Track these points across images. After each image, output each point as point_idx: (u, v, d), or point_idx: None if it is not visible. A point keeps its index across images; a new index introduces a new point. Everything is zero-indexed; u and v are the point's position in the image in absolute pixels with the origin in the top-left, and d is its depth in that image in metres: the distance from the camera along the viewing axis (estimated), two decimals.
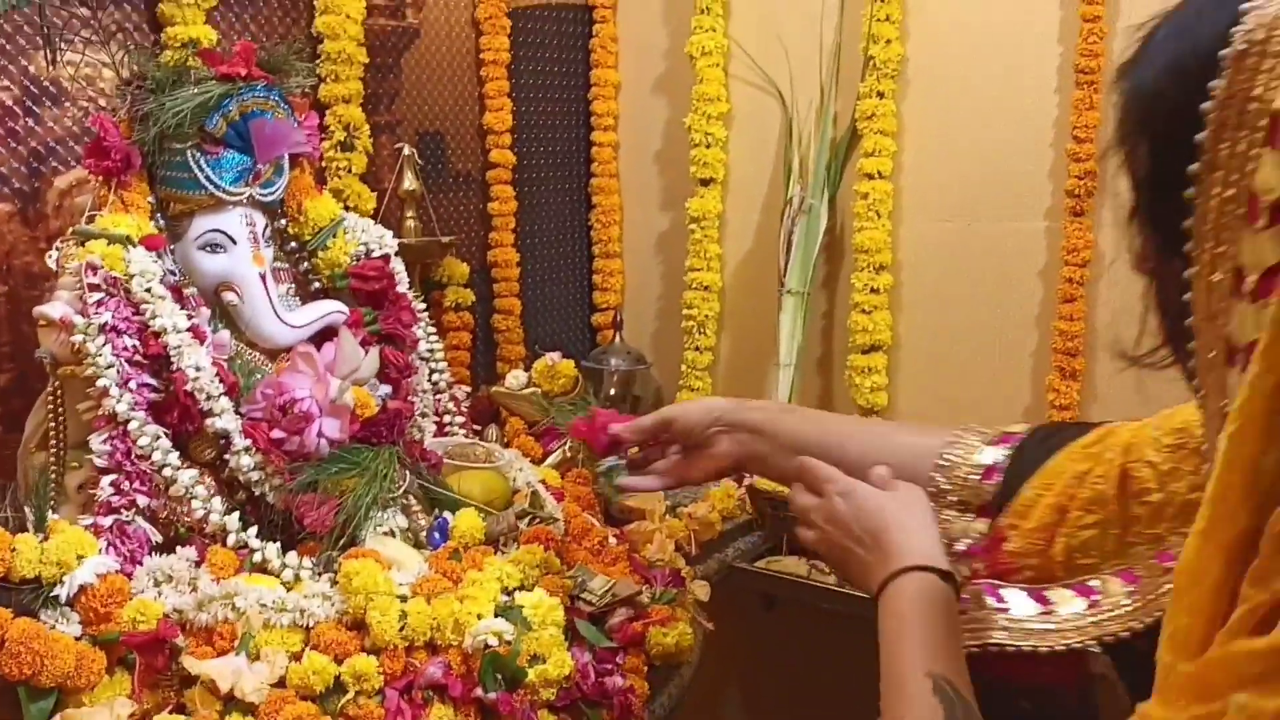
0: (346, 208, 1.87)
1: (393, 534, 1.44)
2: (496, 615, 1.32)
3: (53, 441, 1.39)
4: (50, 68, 1.68)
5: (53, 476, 1.39)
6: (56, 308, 1.37)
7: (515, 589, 1.39)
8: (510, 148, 2.42)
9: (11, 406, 1.69)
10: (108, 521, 1.32)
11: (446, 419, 1.77)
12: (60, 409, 1.39)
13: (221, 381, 1.40)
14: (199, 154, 1.47)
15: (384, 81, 2.17)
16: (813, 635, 2.08)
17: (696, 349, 2.58)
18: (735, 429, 1.31)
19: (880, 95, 2.26)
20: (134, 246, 1.40)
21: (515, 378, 1.95)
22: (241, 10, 1.92)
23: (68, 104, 1.71)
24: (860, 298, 2.33)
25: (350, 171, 2.02)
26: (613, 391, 2.63)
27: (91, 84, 1.74)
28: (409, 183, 2.11)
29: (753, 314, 2.54)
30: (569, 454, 1.82)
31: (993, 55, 2.18)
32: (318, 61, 2.00)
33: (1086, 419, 2.15)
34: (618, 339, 2.67)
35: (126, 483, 1.34)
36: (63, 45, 1.69)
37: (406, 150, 2.11)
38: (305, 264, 1.69)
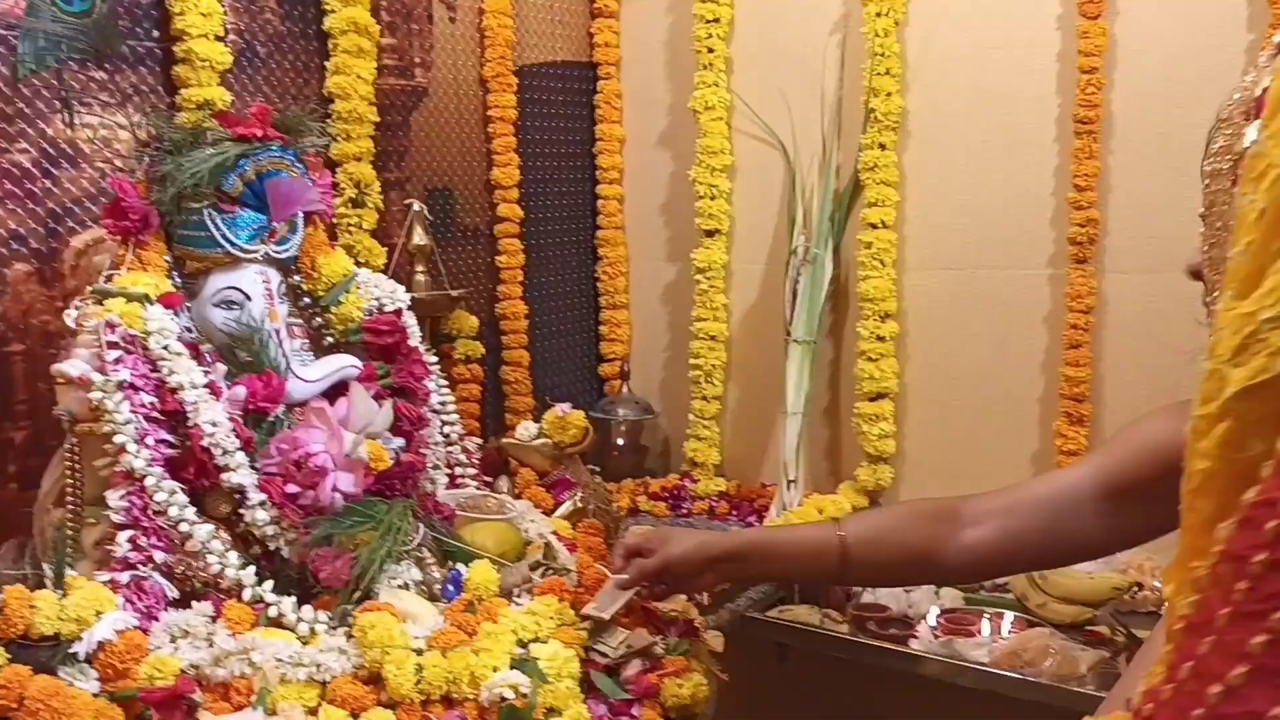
0: (357, 263, 1.90)
1: (407, 587, 1.44)
2: (512, 667, 1.32)
3: (70, 498, 1.40)
4: (68, 130, 1.72)
5: (70, 532, 1.40)
6: (75, 365, 1.38)
7: (530, 641, 1.39)
8: (518, 202, 2.45)
9: (28, 464, 1.70)
10: (125, 577, 1.33)
11: (458, 471, 1.78)
12: (78, 465, 1.40)
13: (237, 436, 1.41)
14: (215, 213, 1.50)
15: (393, 139, 2.21)
16: (826, 684, 2.07)
17: (704, 398, 2.60)
18: (719, 562, 1.40)
19: (882, 147, 2.29)
20: (152, 304, 1.42)
21: (525, 429, 1.96)
22: (254, 71, 1.96)
23: (84, 165, 1.74)
24: (866, 346, 2.35)
25: (361, 227, 2.05)
26: (621, 441, 2.64)
27: (108, 145, 1.77)
28: (419, 238, 2.14)
29: (759, 363, 2.56)
30: (580, 504, 1.83)
31: (992, 107, 2.22)
32: (329, 121, 2.04)
33: None
34: (625, 389, 2.69)
35: (144, 538, 1.35)
36: (80, 108, 1.73)
37: (416, 206, 2.14)
38: (318, 319, 1.71)
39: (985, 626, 1.89)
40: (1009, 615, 1.94)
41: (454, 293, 2.21)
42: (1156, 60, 2.05)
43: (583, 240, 2.72)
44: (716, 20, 2.46)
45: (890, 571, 1.41)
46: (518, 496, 1.88)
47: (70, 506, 1.40)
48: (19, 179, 1.67)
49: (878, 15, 2.25)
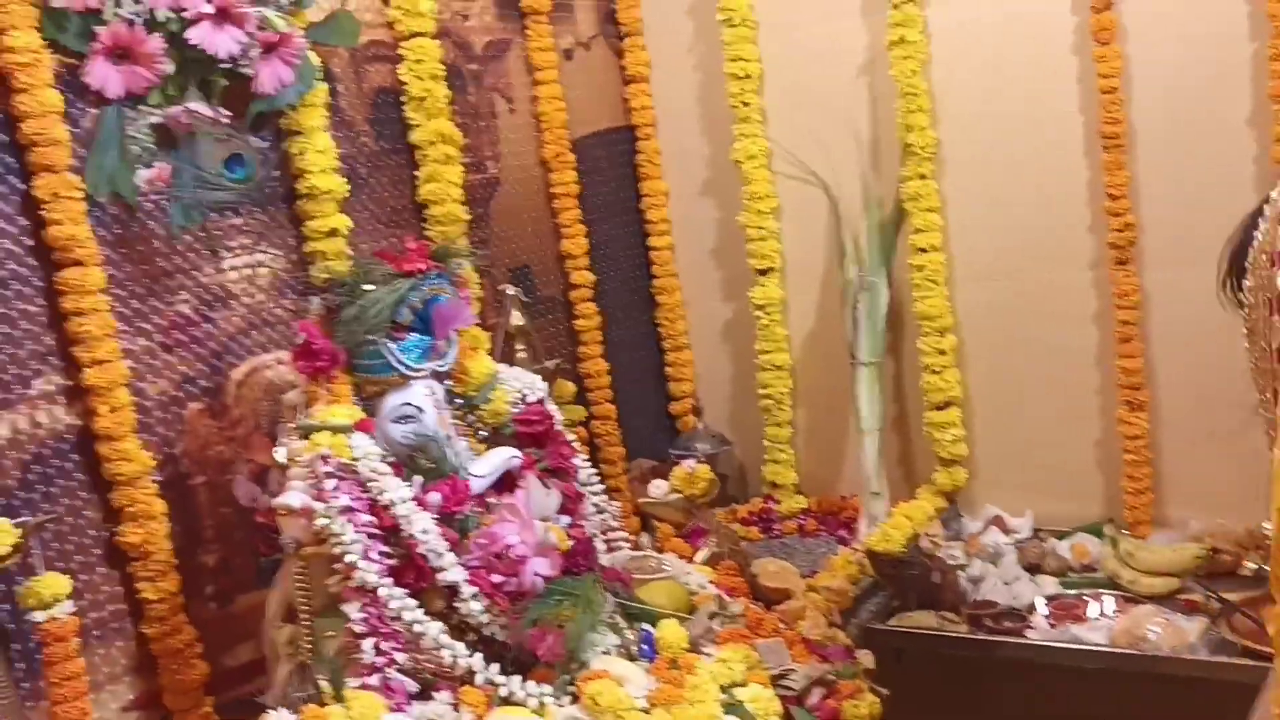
0: None
1: (609, 652, 1.62)
2: (726, 713, 1.50)
3: (303, 616, 1.56)
4: (217, 274, 1.88)
5: (306, 647, 1.56)
6: (296, 497, 1.54)
7: (730, 686, 1.57)
8: (588, 268, 2.63)
9: (221, 584, 1.87)
10: (375, 680, 1.50)
11: (610, 536, 1.96)
12: (307, 586, 1.56)
13: (444, 539, 1.58)
14: (390, 341, 1.67)
15: (477, 229, 2.37)
16: (944, 682, 2.25)
17: (777, 424, 2.79)
18: None
19: (922, 177, 2.49)
20: (354, 433, 1.58)
21: (657, 487, 2.14)
22: (358, 190, 2.11)
23: (234, 304, 1.91)
24: (929, 360, 2.54)
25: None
26: None
27: (251, 281, 1.93)
28: (517, 319, 2.31)
29: (824, 386, 2.75)
30: (716, 549, 2.01)
31: (1020, 129, 2.43)
32: (424, 223, 2.21)
33: (1155, 445, 2.37)
34: (700, 425, 2.87)
35: (384, 643, 1.51)
36: (225, 253, 1.89)
37: (511, 291, 2.31)
38: (470, 416, 1.87)
39: (1093, 609, 2.08)
40: (1108, 595, 2.14)
41: (550, 364, 2.38)
42: (1169, 75, 2.26)
43: (641, 291, 2.90)
44: (748, 76, 2.65)
45: None
46: (660, 550, 2.06)
47: (305, 624, 1.56)
48: (184, 326, 1.83)
49: (904, 58, 2.44)
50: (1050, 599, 2.15)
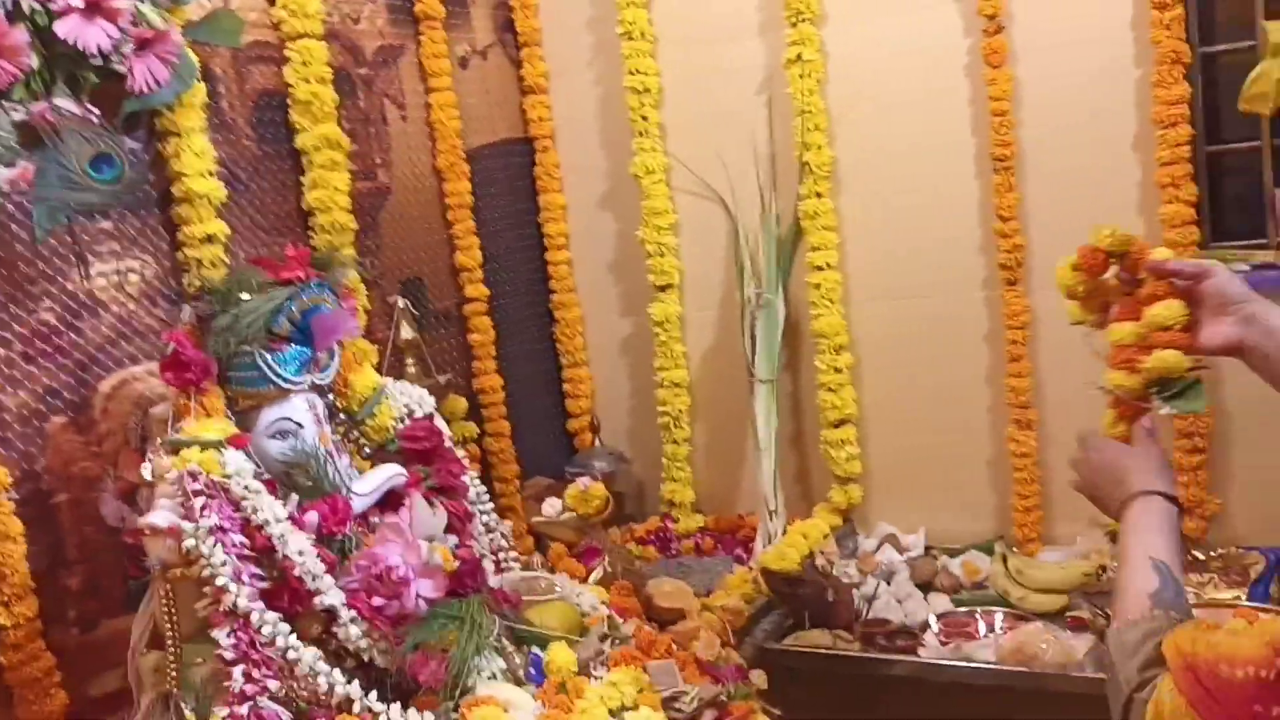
0: None
1: (495, 676, 1.56)
2: None
3: (170, 642, 1.48)
4: (85, 282, 1.78)
5: (172, 674, 1.47)
6: (163, 516, 1.46)
7: (619, 709, 1.52)
8: (483, 281, 2.57)
9: (85, 609, 1.76)
10: (244, 709, 1.41)
11: (499, 555, 1.90)
12: (173, 609, 1.48)
13: (322, 561, 1.51)
14: (265, 352, 1.59)
15: (366, 239, 2.30)
16: (838, 699, 2.24)
17: (674, 441, 2.77)
18: (1252, 321, 1.28)
19: (819, 195, 2.50)
20: (226, 449, 1.50)
21: (550, 505, 2.09)
22: (239, 196, 2.03)
23: (103, 313, 1.81)
24: (825, 378, 2.55)
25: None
26: None
27: (121, 289, 1.84)
28: (406, 332, 2.25)
29: (723, 404, 2.74)
30: (610, 569, 1.97)
31: (915, 149, 2.45)
32: (311, 233, 2.13)
33: (1044, 463, 2.40)
34: (597, 442, 2.83)
35: (255, 670, 1.43)
36: (93, 259, 1.79)
37: (400, 303, 2.25)
38: (354, 432, 1.80)
39: (981, 626, 2.09)
40: (998, 612, 2.15)
41: (441, 379, 2.32)
42: (1058, 98, 2.30)
43: (538, 306, 2.85)
44: (646, 90, 2.63)
45: None
46: (552, 570, 2.01)
47: (171, 650, 1.47)
48: (47, 336, 1.73)
49: (801, 76, 2.45)
50: (942, 616, 2.16)
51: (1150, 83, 2.18)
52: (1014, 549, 2.36)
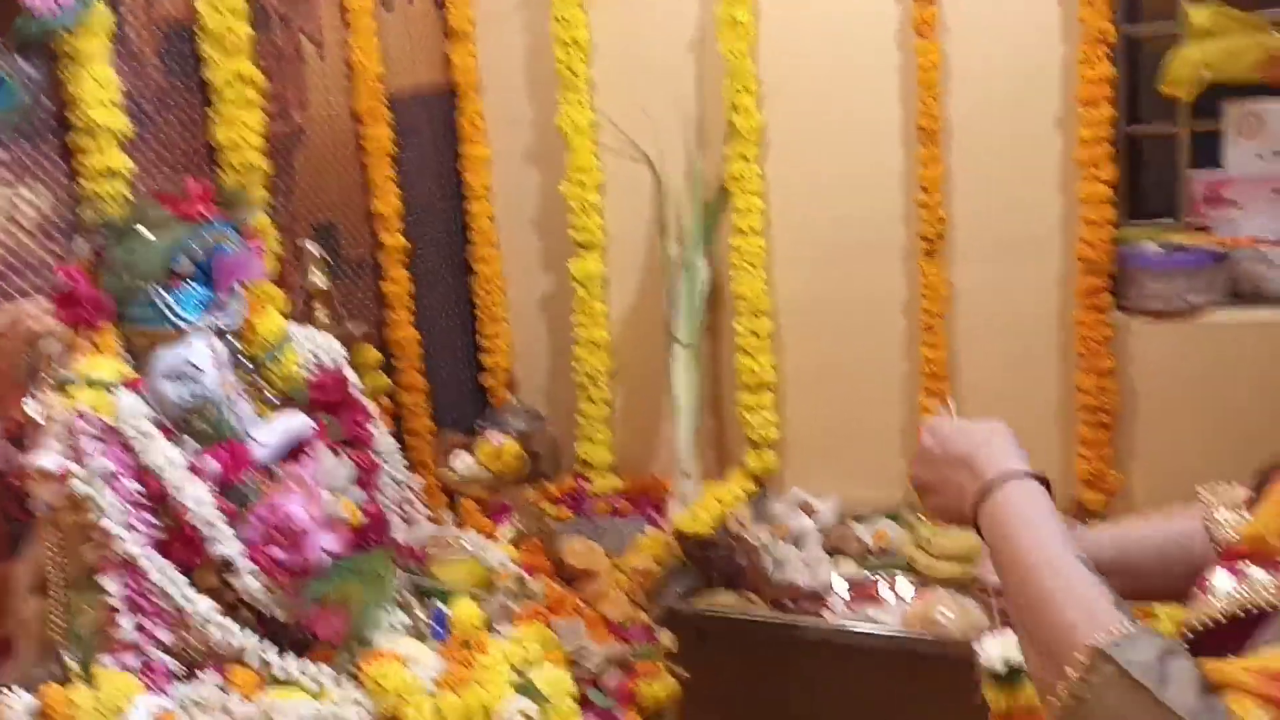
0: None
1: (397, 631, 1.53)
2: (519, 694, 1.43)
3: (54, 589, 1.42)
4: None
5: (56, 623, 1.41)
6: (52, 459, 1.39)
7: (524, 666, 1.50)
8: (401, 231, 2.50)
9: None
10: (132, 659, 1.36)
11: (406, 509, 1.86)
12: (59, 556, 1.41)
13: (221, 510, 1.46)
14: (164, 290, 1.52)
15: (278, 181, 2.22)
16: (747, 660, 2.25)
17: (591, 400, 2.74)
18: None
19: (745, 159, 2.47)
20: (118, 390, 1.44)
21: (462, 461, 2.05)
22: (143, 129, 1.93)
23: None
24: (744, 342, 2.54)
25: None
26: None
27: (12, 220, 1.74)
28: (317, 279, 2.17)
29: (643, 365, 2.71)
30: (519, 527, 1.94)
31: (842, 119, 2.44)
32: (220, 171, 2.05)
33: None
34: (513, 400, 2.79)
35: (145, 620, 1.38)
36: None
37: (309, 246, 2.17)
38: (258, 378, 1.74)
39: (888, 592, 2.11)
40: (901, 579, 2.18)
41: (356, 329, 2.26)
42: (984, 72, 2.30)
43: (457, 258, 2.79)
44: (575, 43, 2.57)
45: None
46: (462, 526, 1.98)
47: (63, 597, 1.41)
48: None
49: (734, 38, 2.42)
50: (849, 581, 2.18)
51: (1075, 60, 2.19)
52: (923, 517, 2.38)
